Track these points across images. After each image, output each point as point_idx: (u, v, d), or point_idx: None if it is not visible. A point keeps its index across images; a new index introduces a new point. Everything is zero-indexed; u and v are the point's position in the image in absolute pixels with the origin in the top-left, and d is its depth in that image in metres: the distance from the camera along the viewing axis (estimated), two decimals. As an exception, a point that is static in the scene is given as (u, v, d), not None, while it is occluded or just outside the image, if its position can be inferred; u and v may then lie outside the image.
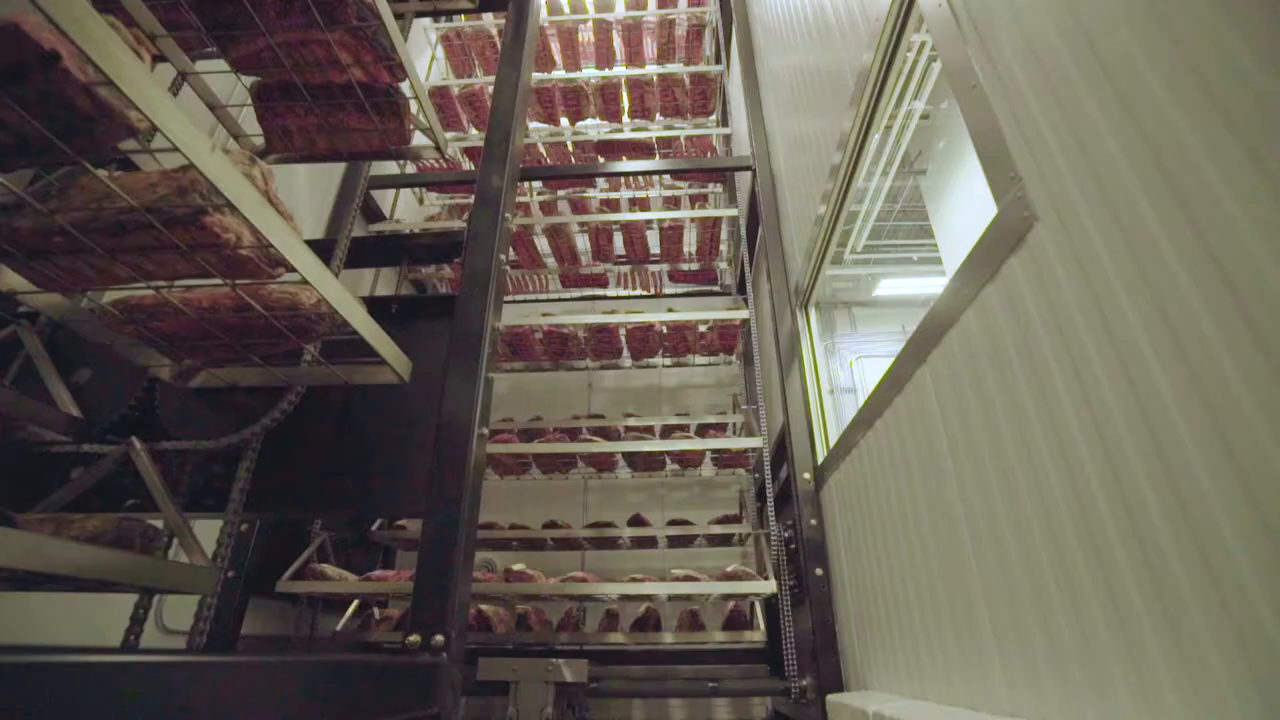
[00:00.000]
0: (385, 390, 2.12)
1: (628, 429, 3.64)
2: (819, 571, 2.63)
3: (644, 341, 3.88)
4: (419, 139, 2.26)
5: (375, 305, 2.24)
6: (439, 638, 1.45)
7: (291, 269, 1.38)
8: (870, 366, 8.39)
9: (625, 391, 5.24)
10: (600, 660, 3.81)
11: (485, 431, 1.88)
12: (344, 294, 1.56)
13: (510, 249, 4.26)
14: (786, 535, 3.23)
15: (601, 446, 3.21)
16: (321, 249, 2.52)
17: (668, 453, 3.37)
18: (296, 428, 2.06)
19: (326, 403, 2.16)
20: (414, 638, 1.44)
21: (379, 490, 2.05)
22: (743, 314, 3.61)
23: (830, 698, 2.28)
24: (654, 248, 4.58)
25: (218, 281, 1.38)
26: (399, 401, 2.14)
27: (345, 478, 2.07)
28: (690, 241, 4.58)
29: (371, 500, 2.07)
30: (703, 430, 3.73)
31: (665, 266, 4.61)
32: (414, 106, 2.08)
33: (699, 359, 4.27)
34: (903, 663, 1.93)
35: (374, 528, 3.88)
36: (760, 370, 3.72)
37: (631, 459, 3.48)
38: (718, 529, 3.72)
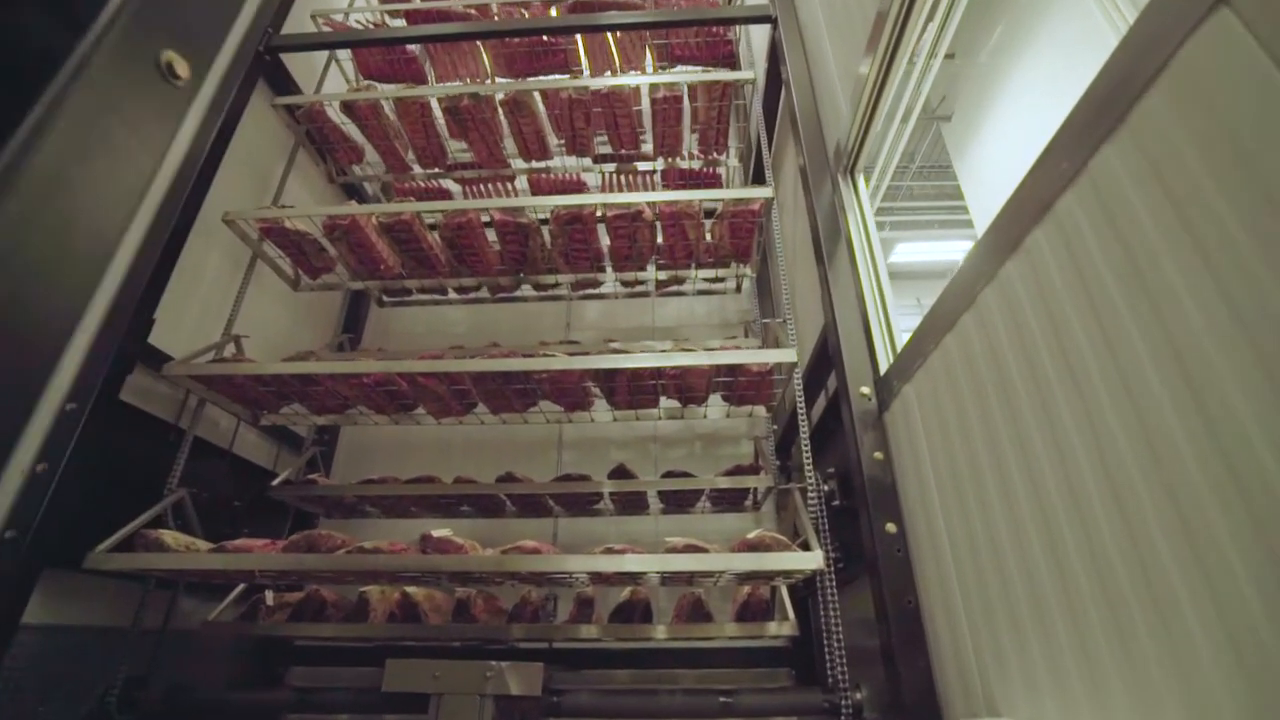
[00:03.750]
0: None
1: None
2: (890, 528, 1.71)
3: (631, 240, 2.92)
4: None
5: None
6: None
7: None
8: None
9: (610, 332, 4.29)
10: (571, 662, 2.88)
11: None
12: None
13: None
14: (827, 489, 2.30)
15: (566, 363, 2.26)
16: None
17: (661, 378, 2.42)
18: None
19: None
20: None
21: None
22: (763, 192, 2.65)
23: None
24: (646, 146, 3.62)
25: None
26: None
27: None
28: (691, 144, 3.62)
29: None
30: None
31: (659, 164, 3.63)
32: None
33: (702, 278, 3.32)
34: (1073, 669, 1.02)
35: (275, 483, 2.94)
36: (786, 270, 2.77)
37: (612, 387, 2.53)
38: (726, 483, 2.79)
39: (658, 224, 2.84)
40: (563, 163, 3.65)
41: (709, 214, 2.91)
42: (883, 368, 2.01)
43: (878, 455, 1.87)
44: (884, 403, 1.94)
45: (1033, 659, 1.19)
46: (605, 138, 3.55)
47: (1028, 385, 1.23)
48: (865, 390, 1.97)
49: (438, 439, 3.95)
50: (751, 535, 1.90)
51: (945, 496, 1.56)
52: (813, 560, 1.82)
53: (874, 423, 1.93)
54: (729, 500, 3.11)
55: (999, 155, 4.47)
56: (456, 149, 3.69)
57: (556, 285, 3.34)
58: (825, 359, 2.49)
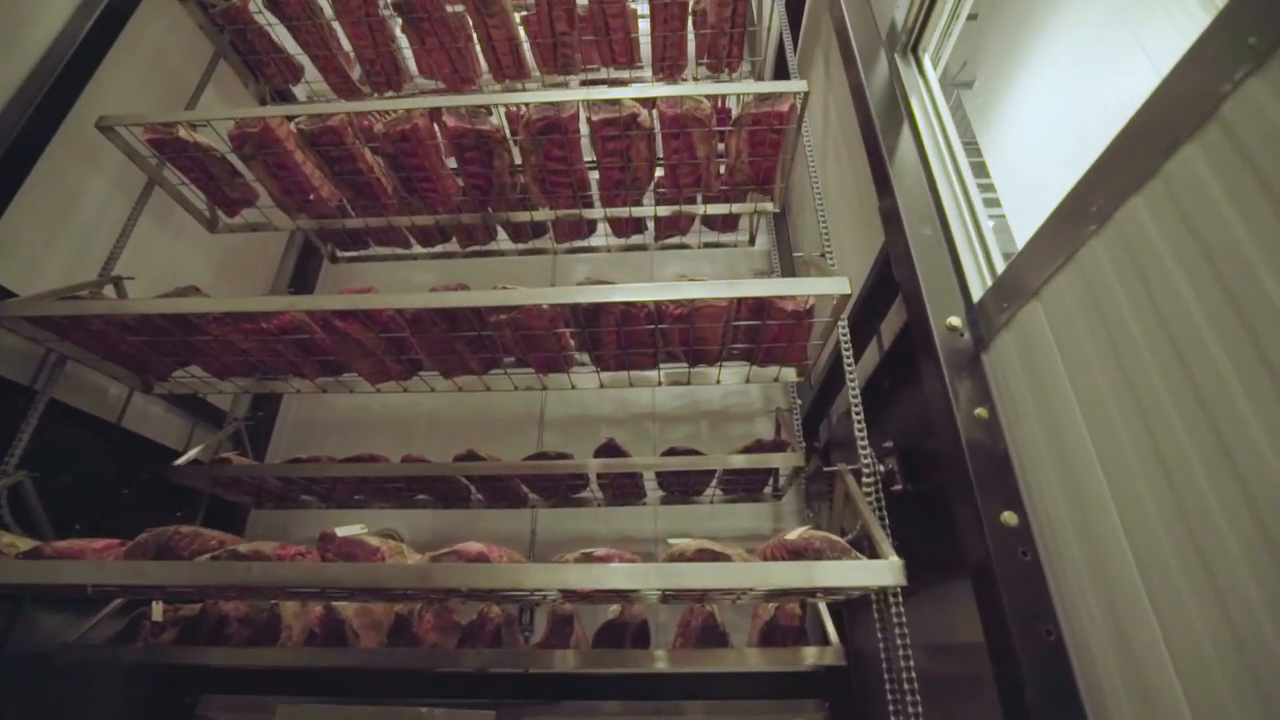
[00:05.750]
0: None
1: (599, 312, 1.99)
2: (1008, 518, 1.11)
3: (623, 160, 2.30)
4: None
5: None
6: None
7: None
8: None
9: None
10: (548, 691, 2.30)
11: None
12: None
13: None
14: (883, 469, 1.72)
15: (530, 297, 1.66)
16: None
17: (663, 320, 1.82)
18: None
19: None
20: None
21: None
22: (795, 86, 2.04)
23: None
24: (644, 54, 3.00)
25: None
26: None
27: None
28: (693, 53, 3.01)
29: None
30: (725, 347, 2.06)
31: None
32: None
33: (712, 214, 2.71)
34: None
35: (178, 462, 2.34)
36: (823, 191, 2.17)
37: (596, 337, 1.93)
38: (744, 462, 2.20)
39: (657, 135, 2.22)
40: (544, 93, 3.02)
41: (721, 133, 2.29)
42: (976, 292, 1.42)
43: (980, 412, 1.27)
44: (982, 338, 1.34)
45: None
46: (592, 63, 2.93)
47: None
48: (954, 321, 1.37)
49: (398, 416, 3.36)
50: (793, 536, 1.30)
51: (1119, 472, 0.97)
52: (884, 572, 1.23)
53: (969, 366, 1.33)
54: (745, 485, 2.52)
55: (1025, 124, 3.89)
56: (423, 83, 3.07)
57: (532, 222, 2.73)
58: (875, 299, 1.89)
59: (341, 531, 1.38)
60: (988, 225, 1.48)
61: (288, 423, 3.33)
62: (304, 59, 2.94)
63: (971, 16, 2.40)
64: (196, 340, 1.83)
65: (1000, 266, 1.42)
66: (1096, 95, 2.12)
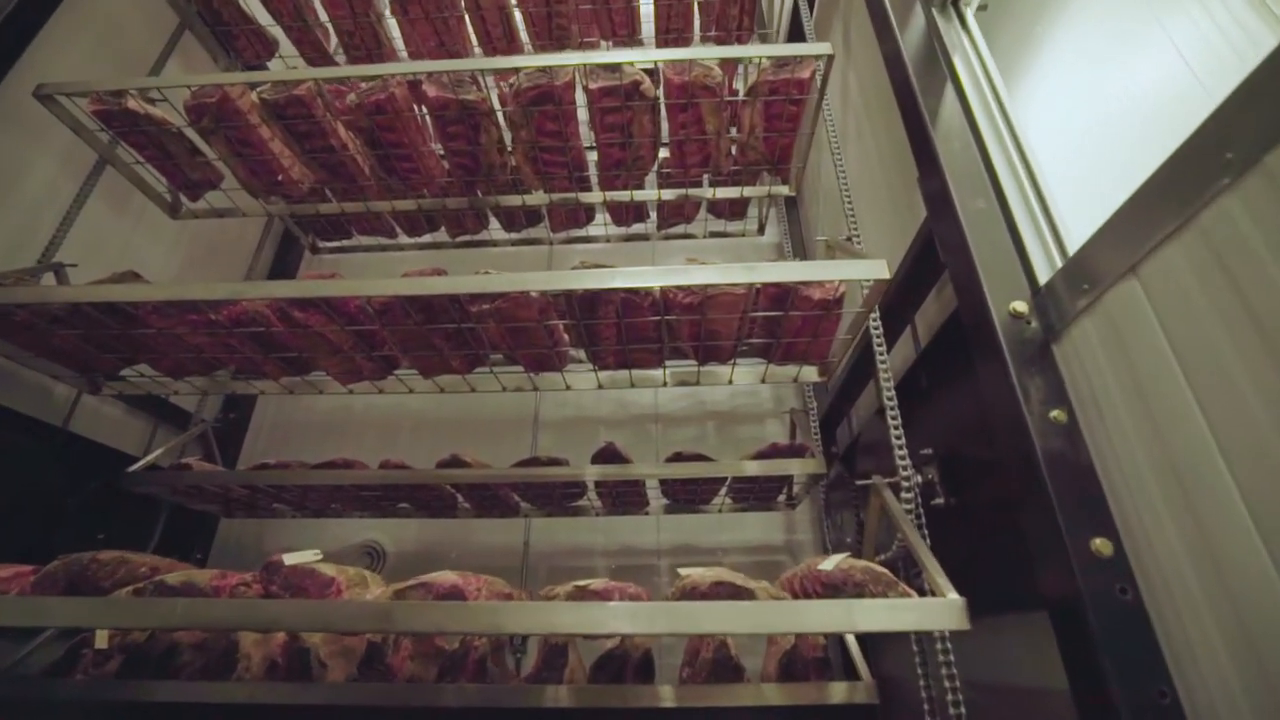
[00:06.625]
0: None
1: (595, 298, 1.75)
2: (1099, 546, 0.88)
3: (624, 136, 2.08)
4: None
5: None
6: None
7: None
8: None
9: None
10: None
11: None
12: None
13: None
14: (921, 480, 1.50)
15: (513, 283, 1.44)
16: None
17: (670, 310, 1.60)
18: None
19: None
20: None
21: None
22: (818, 48, 1.82)
23: None
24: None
25: None
26: None
27: None
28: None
29: None
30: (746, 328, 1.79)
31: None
32: None
33: (721, 198, 2.48)
34: None
35: (133, 468, 2.12)
36: (845, 171, 1.96)
37: (593, 331, 1.70)
38: (758, 469, 1.98)
39: (662, 105, 2.00)
40: (536, 57, 2.79)
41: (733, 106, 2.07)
42: (1041, 275, 1.20)
43: (1056, 415, 1.05)
44: (1052, 327, 1.12)
45: None
46: (590, 35, 2.71)
47: None
48: (1019, 307, 1.15)
49: (383, 417, 3.14)
50: (829, 567, 1.08)
51: (1270, 492, 0.75)
52: (942, 613, 1.01)
53: (1039, 359, 1.11)
54: (758, 494, 2.30)
55: (1040, 125, 3.67)
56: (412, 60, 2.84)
57: (525, 208, 2.51)
58: (909, 287, 1.67)
59: (290, 559, 1.16)
60: (1056, 196, 1.26)
61: (264, 424, 3.11)
62: (278, 31, 2.71)
63: (982, 7, 2.14)
64: (138, 334, 1.61)
65: (1072, 243, 1.20)
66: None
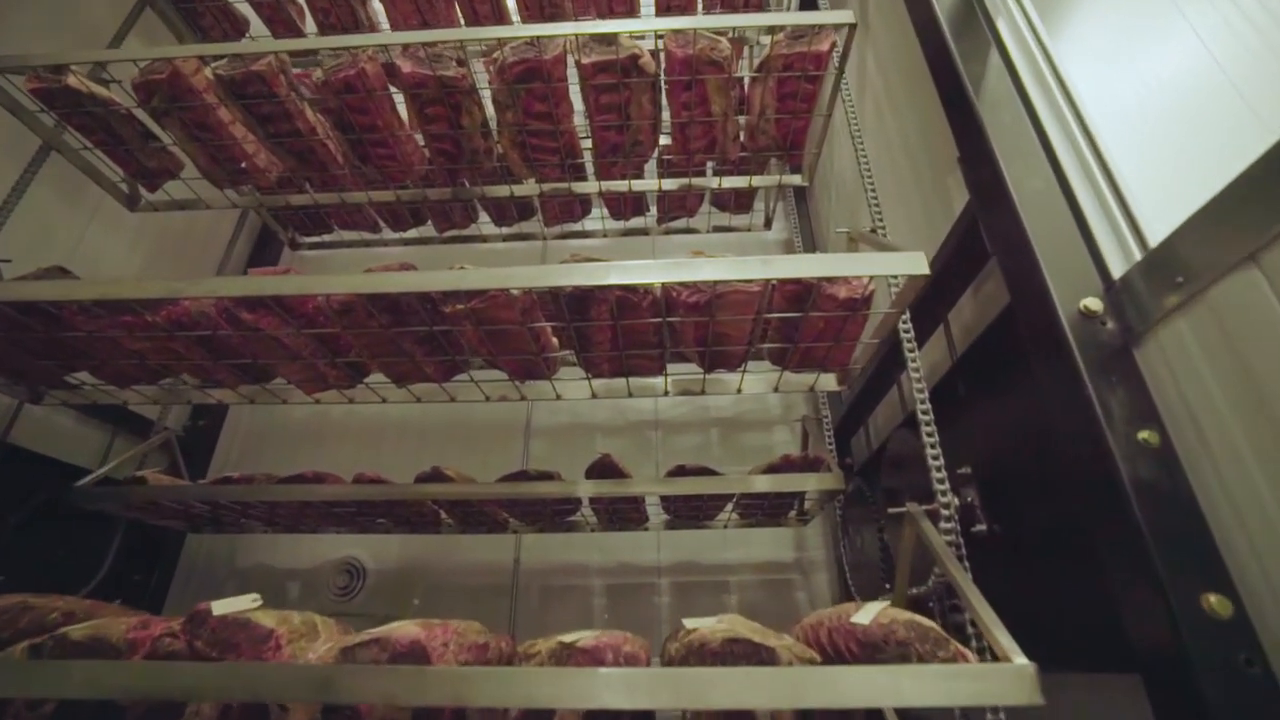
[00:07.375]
0: None
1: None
2: (1218, 606, 0.68)
3: (621, 117, 1.89)
4: None
5: None
6: None
7: None
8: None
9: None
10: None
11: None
12: None
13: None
14: (960, 503, 1.31)
15: (490, 279, 1.25)
16: None
17: (673, 310, 1.40)
18: None
19: None
20: None
21: None
22: (839, 16, 1.62)
23: None
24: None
25: None
26: None
27: None
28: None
29: None
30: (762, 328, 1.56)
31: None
32: None
33: (726, 186, 2.29)
34: None
35: (83, 482, 1.93)
36: (866, 156, 1.76)
37: (585, 335, 1.51)
38: (768, 484, 1.79)
39: (663, 82, 1.81)
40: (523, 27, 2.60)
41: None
42: (1116, 268, 1.00)
43: (1146, 436, 0.86)
44: (1131, 328, 0.93)
45: None
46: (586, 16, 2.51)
47: None
48: (1092, 304, 0.96)
49: (365, 425, 2.94)
50: (865, 620, 0.90)
51: None
52: (1010, 684, 0.82)
53: (1118, 367, 0.92)
54: (767, 509, 2.11)
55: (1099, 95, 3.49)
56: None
57: (515, 199, 2.32)
58: (942, 283, 1.48)
59: (219, 608, 0.97)
60: (1126, 176, 1.07)
61: (238, 432, 2.91)
62: (247, 9, 2.52)
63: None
64: (66, 338, 1.41)
65: (1149, 230, 1.01)
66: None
